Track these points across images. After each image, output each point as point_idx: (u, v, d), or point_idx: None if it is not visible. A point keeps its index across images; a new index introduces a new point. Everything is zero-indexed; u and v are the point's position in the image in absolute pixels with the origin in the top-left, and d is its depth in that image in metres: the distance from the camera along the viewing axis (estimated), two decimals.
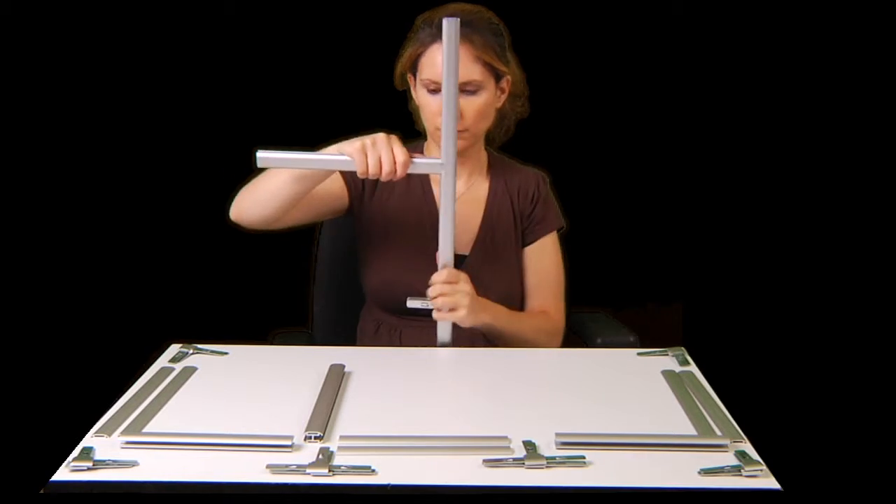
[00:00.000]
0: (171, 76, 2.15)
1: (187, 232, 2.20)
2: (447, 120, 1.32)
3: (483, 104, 1.48)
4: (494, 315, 1.48)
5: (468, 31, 1.42)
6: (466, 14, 1.43)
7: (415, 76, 1.52)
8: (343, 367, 1.26)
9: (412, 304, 1.40)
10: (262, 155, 1.31)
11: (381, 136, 1.32)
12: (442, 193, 1.37)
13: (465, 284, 1.41)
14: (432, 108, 1.48)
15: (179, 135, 2.18)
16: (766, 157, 2.24)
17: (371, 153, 1.30)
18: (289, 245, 1.60)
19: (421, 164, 1.35)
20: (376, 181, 1.55)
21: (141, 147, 2.18)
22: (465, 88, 1.44)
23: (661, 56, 2.21)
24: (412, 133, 1.62)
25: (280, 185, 1.39)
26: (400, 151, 1.31)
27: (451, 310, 1.40)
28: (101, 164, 2.16)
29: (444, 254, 1.40)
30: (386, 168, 1.31)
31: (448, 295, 1.39)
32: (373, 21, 2.09)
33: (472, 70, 1.44)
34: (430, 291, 1.40)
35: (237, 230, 1.51)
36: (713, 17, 2.16)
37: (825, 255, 2.22)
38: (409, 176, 1.56)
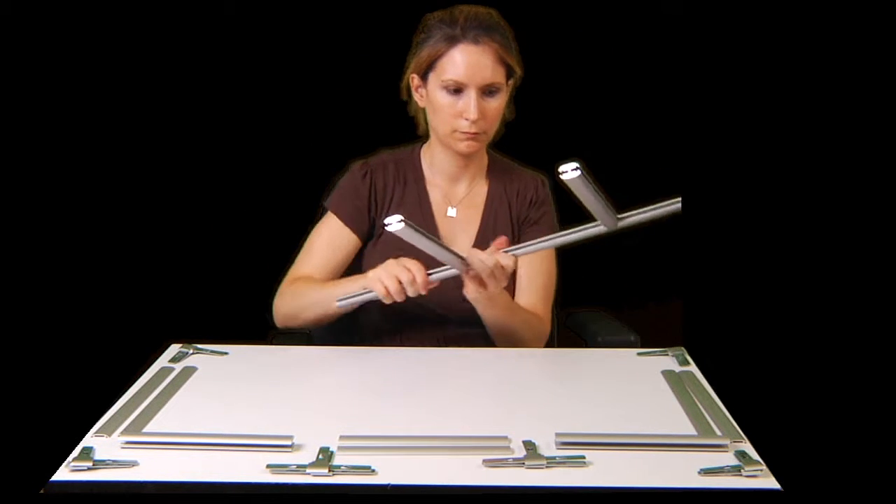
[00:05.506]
0: (170, 76, 2.15)
1: (187, 232, 2.20)
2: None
3: (501, 106, 1.47)
4: (502, 292, 1.45)
5: (490, 32, 1.42)
6: (483, 16, 1.43)
7: (424, 78, 1.48)
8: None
9: (438, 276, 1.36)
10: (340, 303, 1.42)
11: (412, 263, 1.33)
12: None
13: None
14: (454, 109, 1.45)
15: (179, 135, 2.18)
16: (765, 158, 2.24)
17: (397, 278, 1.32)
18: (289, 245, 1.60)
19: (439, 274, 1.36)
20: (380, 213, 1.56)
21: (141, 147, 2.18)
22: (489, 90, 1.44)
23: (661, 57, 2.21)
24: (409, 136, 1.62)
25: (327, 316, 1.48)
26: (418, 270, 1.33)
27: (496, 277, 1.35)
28: (101, 164, 2.16)
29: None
30: (406, 277, 1.32)
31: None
32: (369, 22, 2.10)
33: (496, 72, 1.44)
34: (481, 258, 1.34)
35: (237, 230, 1.50)
36: (713, 17, 2.16)
37: (825, 255, 2.22)
38: (405, 187, 1.56)
